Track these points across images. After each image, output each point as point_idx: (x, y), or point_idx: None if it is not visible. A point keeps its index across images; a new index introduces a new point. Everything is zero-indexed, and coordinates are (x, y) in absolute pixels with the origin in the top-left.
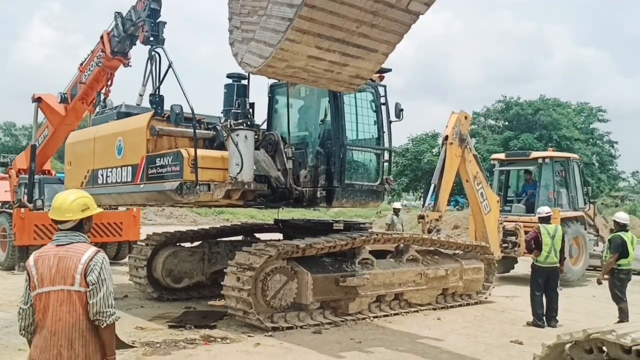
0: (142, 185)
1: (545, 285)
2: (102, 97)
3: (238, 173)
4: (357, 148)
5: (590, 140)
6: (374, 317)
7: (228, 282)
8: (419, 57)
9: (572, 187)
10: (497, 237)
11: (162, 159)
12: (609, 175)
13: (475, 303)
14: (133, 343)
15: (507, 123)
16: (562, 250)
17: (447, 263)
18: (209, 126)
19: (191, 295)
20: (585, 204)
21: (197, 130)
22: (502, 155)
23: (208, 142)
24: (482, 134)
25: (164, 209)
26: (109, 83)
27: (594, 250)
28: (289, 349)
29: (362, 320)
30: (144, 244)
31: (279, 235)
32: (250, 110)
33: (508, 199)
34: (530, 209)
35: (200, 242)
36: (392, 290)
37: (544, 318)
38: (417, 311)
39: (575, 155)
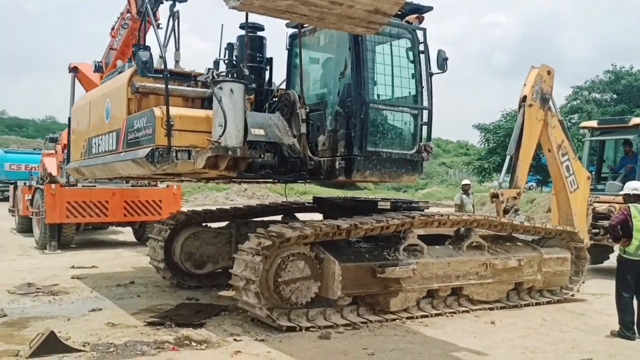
0: (122, 154)
1: (637, 285)
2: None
3: (221, 136)
4: (384, 106)
5: None
6: (408, 318)
7: (245, 246)
8: (525, 33)
9: None
10: (585, 220)
11: (139, 120)
12: None
13: (557, 301)
14: (84, 346)
15: (615, 96)
16: None
17: (521, 252)
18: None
19: (206, 284)
20: None
21: (191, 89)
22: (594, 123)
23: (207, 103)
24: (586, 109)
25: (246, 189)
26: None
27: None
28: None
29: (392, 322)
30: (162, 224)
31: (320, 216)
32: (268, 66)
33: (602, 175)
34: None
35: (228, 222)
36: (448, 283)
37: (635, 327)
38: (467, 311)
39: None
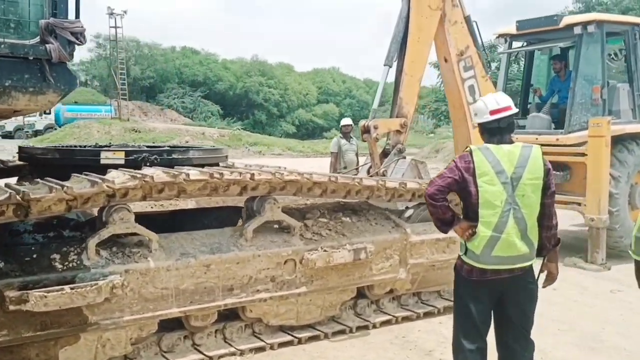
0: None
1: (499, 322)
2: None
3: None
4: None
5: None
6: None
7: None
8: None
9: (638, 79)
10: None
11: None
12: None
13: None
14: None
15: None
16: (544, 214)
17: (369, 232)
18: None
19: None
20: None
21: None
22: (512, 29)
23: None
24: None
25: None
26: None
27: None
28: None
29: None
30: None
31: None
32: None
33: (530, 105)
34: (560, 119)
35: None
36: (208, 304)
37: None
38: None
39: None
